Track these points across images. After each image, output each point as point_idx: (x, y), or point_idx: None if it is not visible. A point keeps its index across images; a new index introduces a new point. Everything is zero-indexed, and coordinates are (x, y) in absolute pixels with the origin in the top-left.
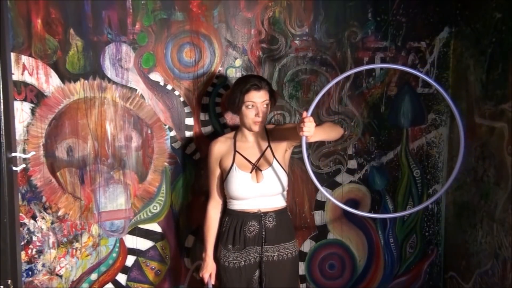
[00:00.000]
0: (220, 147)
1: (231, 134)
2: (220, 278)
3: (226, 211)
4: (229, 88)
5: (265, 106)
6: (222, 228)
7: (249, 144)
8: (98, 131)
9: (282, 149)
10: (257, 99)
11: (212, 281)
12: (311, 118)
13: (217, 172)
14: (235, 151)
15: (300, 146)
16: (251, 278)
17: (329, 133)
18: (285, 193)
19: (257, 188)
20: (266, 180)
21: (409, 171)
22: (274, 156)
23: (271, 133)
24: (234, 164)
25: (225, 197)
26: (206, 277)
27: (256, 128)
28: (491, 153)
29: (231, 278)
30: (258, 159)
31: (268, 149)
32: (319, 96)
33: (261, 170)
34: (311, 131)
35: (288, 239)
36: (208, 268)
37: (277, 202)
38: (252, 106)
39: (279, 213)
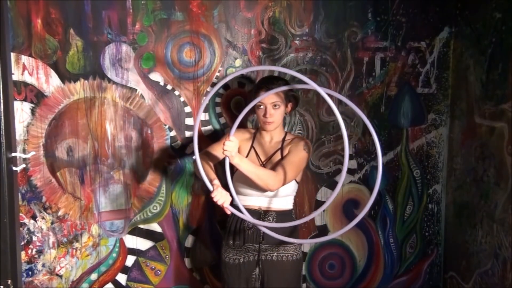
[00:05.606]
0: (243, 134)
1: (254, 130)
2: (221, 274)
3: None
4: (229, 88)
5: (275, 107)
6: (225, 224)
7: (265, 143)
8: (98, 131)
9: None
10: (266, 99)
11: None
12: (233, 138)
13: None
14: (252, 146)
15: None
16: (250, 276)
17: (257, 176)
18: (292, 196)
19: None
20: None
21: (409, 171)
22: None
23: (288, 141)
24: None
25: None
26: (226, 205)
27: (268, 127)
28: (491, 153)
29: (231, 274)
30: (267, 159)
31: (279, 151)
32: (241, 116)
33: None
34: (232, 152)
35: (290, 242)
36: (223, 195)
37: (281, 203)
38: (261, 106)
39: (280, 214)
